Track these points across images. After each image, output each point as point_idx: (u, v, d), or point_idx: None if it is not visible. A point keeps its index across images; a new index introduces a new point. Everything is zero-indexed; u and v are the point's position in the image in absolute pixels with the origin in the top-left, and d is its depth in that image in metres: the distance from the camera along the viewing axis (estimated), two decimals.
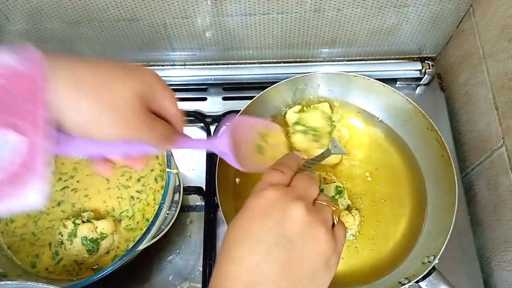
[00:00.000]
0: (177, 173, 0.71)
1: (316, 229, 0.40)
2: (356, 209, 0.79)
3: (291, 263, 0.39)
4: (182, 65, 0.98)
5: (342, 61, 0.97)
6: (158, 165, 0.80)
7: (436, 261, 0.67)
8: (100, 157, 0.45)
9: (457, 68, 0.91)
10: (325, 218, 0.43)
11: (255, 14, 0.83)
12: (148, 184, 0.78)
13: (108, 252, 0.75)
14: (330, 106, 0.86)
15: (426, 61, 0.94)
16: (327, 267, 0.41)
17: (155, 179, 0.79)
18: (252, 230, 0.40)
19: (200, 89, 0.97)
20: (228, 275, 0.38)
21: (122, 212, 0.77)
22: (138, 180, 0.79)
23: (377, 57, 0.97)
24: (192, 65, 0.97)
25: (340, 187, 0.77)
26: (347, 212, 0.77)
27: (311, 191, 0.45)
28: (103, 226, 0.73)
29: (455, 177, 0.73)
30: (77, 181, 0.80)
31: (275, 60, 0.97)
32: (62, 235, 0.73)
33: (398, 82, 0.96)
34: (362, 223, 0.78)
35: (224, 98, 0.96)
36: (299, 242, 0.40)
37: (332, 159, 0.82)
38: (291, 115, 0.86)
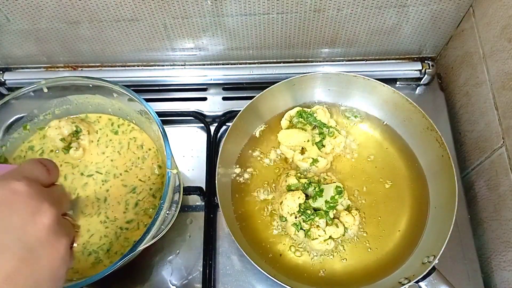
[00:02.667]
0: (177, 173, 0.71)
1: (60, 242, 0.38)
2: (356, 209, 0.79)
3: (17, 274, 0.34)
4: (182, 65, 0.97)
5: (342, 61, 0.97)
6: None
7: (436, 261, 0.67)
8: None
9: (457, 68, 0.91)
10: (70, 234, 0.40)
11: (255, 14, 0.83)
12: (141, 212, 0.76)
13: None
14: (329, 110, 0.86)
15: (426, 61, 0.94)
16: (54, 281, 0.37)
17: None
18: None
19: (200, 89, 0.97)
20: None
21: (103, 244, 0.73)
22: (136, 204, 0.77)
23: (377, 57, 0.97)
24: (192, 65, 0.97)
25: (340, 187, 0.77)
26: (347, 212, 0.77)
27: (65, 204, 0.42)
28: None
29: (455, 177, 0.73)
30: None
31: (275, 60, 0.97)
32: None
33: (398, 82, 0.96)
34: (362, 223, 0.78)
35: (224, 98, 0.96)
36: (38, 251, 0.35)
37: (322, 165, 0.82)
38: (284, 122, 0.86)
